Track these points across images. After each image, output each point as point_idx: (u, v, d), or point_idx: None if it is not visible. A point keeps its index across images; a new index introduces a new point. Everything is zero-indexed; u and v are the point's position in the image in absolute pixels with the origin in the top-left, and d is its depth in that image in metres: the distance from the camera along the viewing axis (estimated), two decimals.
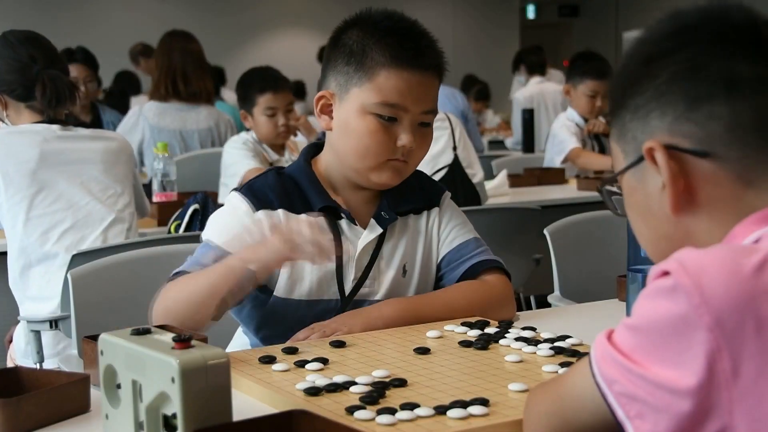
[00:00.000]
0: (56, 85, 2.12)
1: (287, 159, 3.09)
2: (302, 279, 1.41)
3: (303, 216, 1.35)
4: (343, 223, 1.44)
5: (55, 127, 2.15)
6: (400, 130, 1.38)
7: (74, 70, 4.03)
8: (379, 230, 1.44)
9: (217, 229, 1.41)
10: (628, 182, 0.96)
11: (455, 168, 2.74)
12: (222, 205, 1.64)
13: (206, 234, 1.42)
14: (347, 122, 1.40)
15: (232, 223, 1.40)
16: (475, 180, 2.91)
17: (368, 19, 1.43)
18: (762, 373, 0.73)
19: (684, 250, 0.79)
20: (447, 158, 2.79)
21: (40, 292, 2.12)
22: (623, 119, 0.95)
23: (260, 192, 1.43)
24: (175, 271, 1.38)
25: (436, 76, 1.42)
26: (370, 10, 1.45)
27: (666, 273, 0.77)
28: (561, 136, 3.73)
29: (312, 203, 1.42)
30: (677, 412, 0.75)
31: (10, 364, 2.19)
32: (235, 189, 1.46)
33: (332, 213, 1.42)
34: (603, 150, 3.66)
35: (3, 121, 2.19)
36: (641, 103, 0.92)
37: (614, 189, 1.02)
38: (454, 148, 2.88)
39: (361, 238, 1.44)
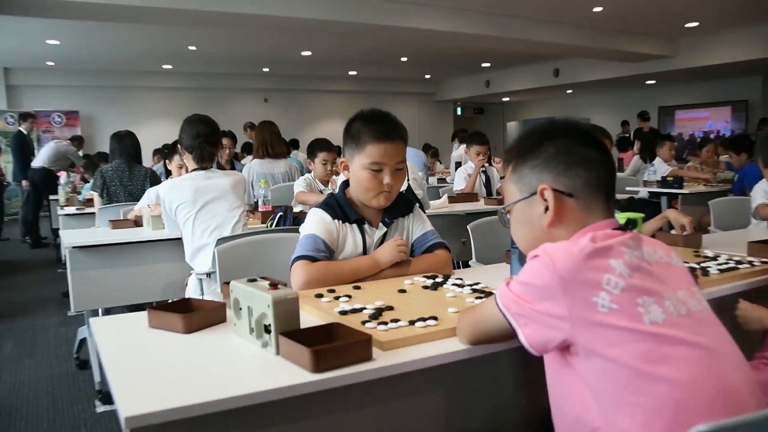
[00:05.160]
0: (201, 151, 2.71)
1: (330, 189, 4.19)
2: (347, 255, 1.81)
3: (398, 239, 1.78)
4: (366, 227, 1.83)
5: (202, 172, 2.73)
6: (384, 176, 1.80)
7: (226, 141, 5.67)
8: (384, 229, 1.84)
9: (318, 228, 1.80)
10: (521, 208, 1.16)
11: (409, 191, 3.82)
12: (299, 212, 2.18)
13: (308, 230, 1.81)
14: (355, 174, 1.85)
15: (324, 225, 1.76)
16: (420, 197, 4.05)
17: (362, 116, 1.85)
18: (585, 306, 0.96)
19: (545, 244, 1.04)
20: (404, 186, 3.37)
21: (201, 266, 2.72)
22: (522, 171, 1.15)
23: (333, 208, 1.80)
24: (301, 254, 1.74)
25: (402, 142, 1.82)
26: (363, 111, 1.87)
27: (536, 255, 1.02)
28: (459, 178, 5.30)
29: (349, 217, 1.81)
30: (545, 323, 0.99)
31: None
32: (318, 206, 1.88)
33: (361, 222, 1.80)
34: (488, 180, 5.25)
35: (185, 164, 2.97)
36: (536, 163, 1.14)
37: (504, 212, 1.23)
38: (408, 180, 3.77)
39: (375, 234, 1.84)
